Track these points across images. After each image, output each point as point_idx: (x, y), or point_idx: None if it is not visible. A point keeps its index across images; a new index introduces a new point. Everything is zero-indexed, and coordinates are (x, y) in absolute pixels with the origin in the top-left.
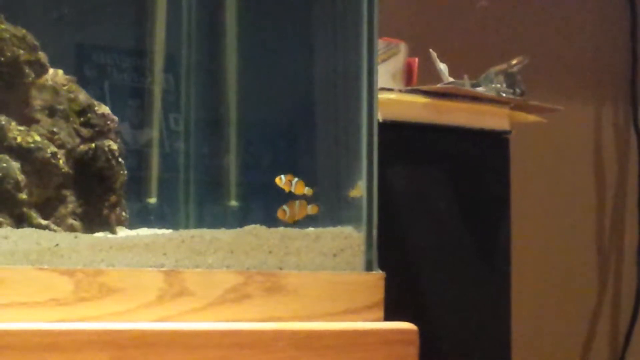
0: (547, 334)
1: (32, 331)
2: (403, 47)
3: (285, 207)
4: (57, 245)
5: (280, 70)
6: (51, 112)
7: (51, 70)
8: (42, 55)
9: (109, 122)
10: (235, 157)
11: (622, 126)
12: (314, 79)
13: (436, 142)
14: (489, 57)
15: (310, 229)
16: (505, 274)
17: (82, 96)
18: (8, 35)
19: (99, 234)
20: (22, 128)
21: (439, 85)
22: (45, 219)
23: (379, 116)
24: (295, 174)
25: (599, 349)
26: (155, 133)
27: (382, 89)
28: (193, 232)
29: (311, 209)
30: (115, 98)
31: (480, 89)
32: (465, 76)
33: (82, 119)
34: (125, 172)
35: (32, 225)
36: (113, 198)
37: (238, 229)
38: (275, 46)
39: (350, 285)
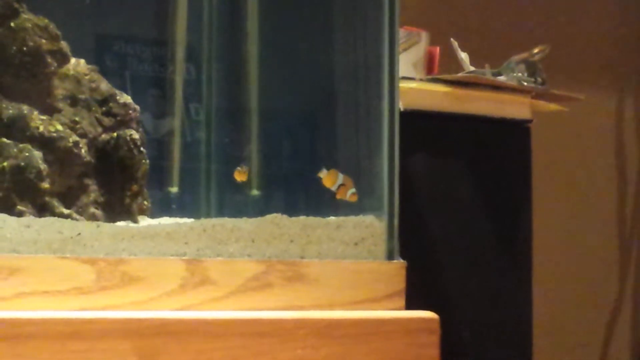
0: (568, 323)
1: (54, 320)
2: (424, 36)
3: (239, 168)
4: (79, 234)
5: (302, 59)
6: (73, 101)
7: (73, 60)
8: (64, 45)
9: (130, 112)
10: (256, 146)
11: None
12: (335, 68)
13: (457, 131)
14: (510, 46)
15: (332, 217)
16: (526, 263)
17: (104, 85)
18: (30, 25)
19: (121, 223)
20: (44, 117)
21: (460, 74)
22: (67, 208)
23: (400, 105)
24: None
25: (621, 339)
26: (176, 122)
27: (404, 78)
28: (214, 221)
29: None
30: (137, 87)
31: (501, 78)
32: (487, 65)
33: (103, 108)
34: (147, 161)
35: (54, 214)
36: (135, 187)
37: (259, 218)
38: (296, 36)
39: (371, 274)
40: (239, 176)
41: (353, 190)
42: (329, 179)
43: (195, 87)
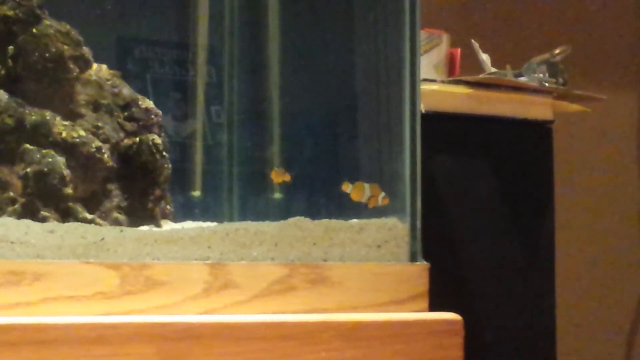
0: (592, 325)
1: (79, 325)
2: (445, 38)
3: (277, 168)
4: (102, 239)
5: (323, 62)
6: (95, 106)
7: (95, 65)
8: (86, 50)
9: (152, 116)
10: (278, 149)
11: None
12: (356, 71)
13: (479, 132)
14: (531, 47)
15: (354, 220)
16: (549, 263)
17: (126, 90)
18: (52, 31)
19: (144, 228)
20: (67, 123)
21: (481, 76)
22: (90, 213)
23: (422, 107)
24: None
25: None
26: (198, 126)
27: (425, 80)
28: (237, 224)
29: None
30: (159, 92)
31: (522, 79)
32: (508, 66)
33: (126, 113)
34: (170, 165)
35: (77, 219)
36: (157, 192)
37: (282, 221)
38: (318, 38)
39: (394, 276)
40: (276, 177)
41: (383, 194)
42: (355, 192)
43: (216, 91)
